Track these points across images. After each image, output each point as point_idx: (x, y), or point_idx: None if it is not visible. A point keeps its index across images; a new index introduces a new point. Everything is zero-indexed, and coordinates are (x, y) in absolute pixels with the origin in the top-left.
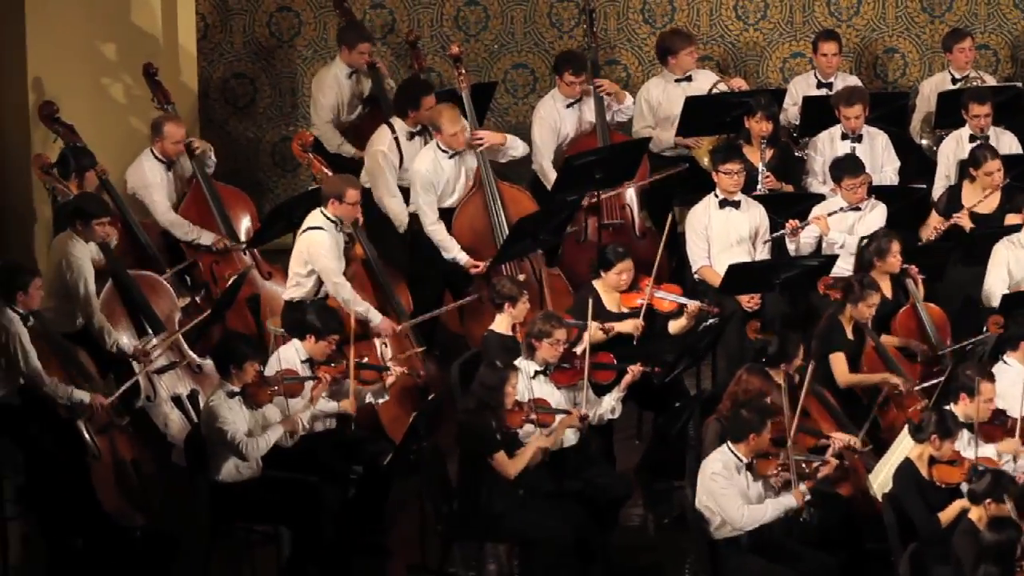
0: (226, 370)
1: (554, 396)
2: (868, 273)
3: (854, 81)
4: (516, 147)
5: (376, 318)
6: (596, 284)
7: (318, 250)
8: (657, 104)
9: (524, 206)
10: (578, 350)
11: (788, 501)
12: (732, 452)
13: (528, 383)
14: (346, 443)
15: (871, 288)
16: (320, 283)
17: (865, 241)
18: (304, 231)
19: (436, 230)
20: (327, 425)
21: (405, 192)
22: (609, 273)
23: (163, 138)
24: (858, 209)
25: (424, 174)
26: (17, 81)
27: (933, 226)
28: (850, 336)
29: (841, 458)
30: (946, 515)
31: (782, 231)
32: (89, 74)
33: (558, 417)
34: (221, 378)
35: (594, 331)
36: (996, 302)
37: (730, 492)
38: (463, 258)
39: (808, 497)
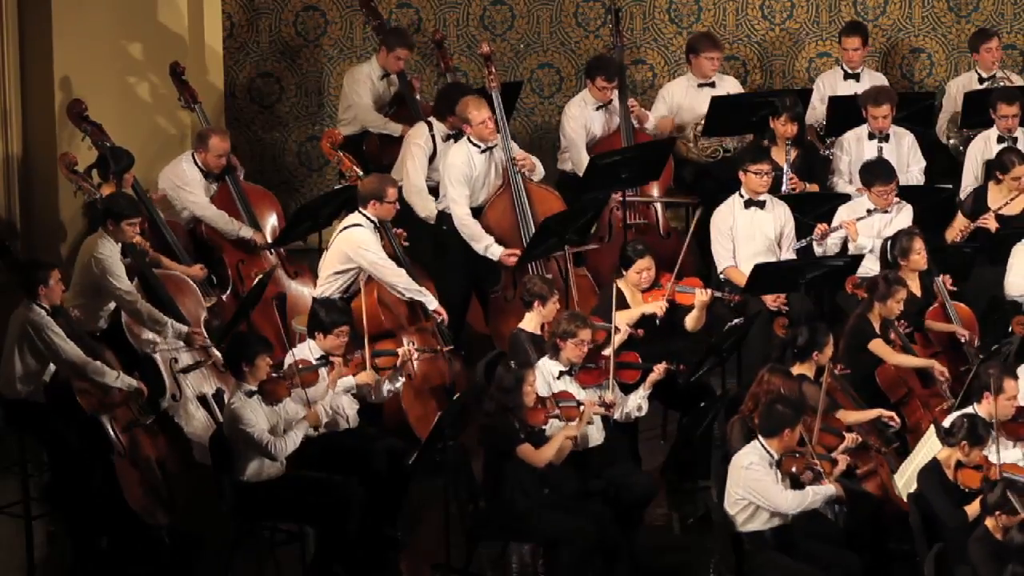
0: (239, 370)
1: (579, 396)
2: (894, 271)
3: (880, 75)
4: (539, 173)
5: (432, 302)
6: (619, 283)
7: (366, 245)
8: (678, 106)
9: (552, 205)
10: (606, 352)
11: (828, 490)
12: (764, 447)
13: (550, 381)
14: (370, 441)
15: (897, 284)
16: (348, 283)
17: (889, 242)
18: (343, 230)
19: (468, 223)
20: (350, 424)
21: (435, 191)
22: (630, 271)
23: (207, 150)
24: (886, 212)
25: (459, 166)
26: (44, 80)
27: (959, 228)
28: (878, 334)
29: (866, 448)
30: (972, 508)
31: (811, 238)
32: (116, 73)
33: (583, 407)
34: (236, 379)
35: (623, 332)
36: (1015, 292)
37: (770, 479)
38: (497, 250)
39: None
